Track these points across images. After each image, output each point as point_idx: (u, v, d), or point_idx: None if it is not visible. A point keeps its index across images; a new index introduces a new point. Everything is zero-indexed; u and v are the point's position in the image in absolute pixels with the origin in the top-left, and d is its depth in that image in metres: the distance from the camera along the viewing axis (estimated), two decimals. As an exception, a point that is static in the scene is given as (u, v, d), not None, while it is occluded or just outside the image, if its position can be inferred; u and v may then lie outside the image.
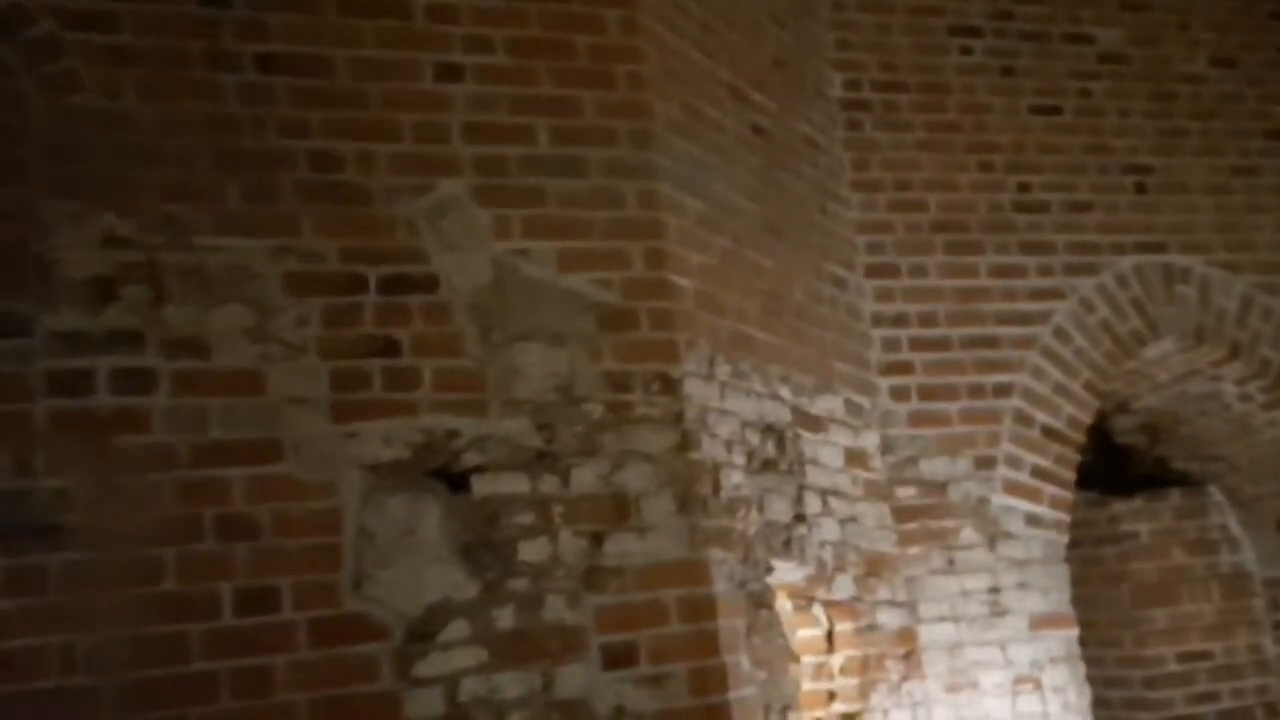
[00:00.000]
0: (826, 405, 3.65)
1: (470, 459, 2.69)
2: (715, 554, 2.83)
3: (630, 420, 2.82)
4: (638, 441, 2.81)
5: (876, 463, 3.91)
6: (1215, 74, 4.81)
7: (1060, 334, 4.25)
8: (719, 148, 3.39)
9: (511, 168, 2.90)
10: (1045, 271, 4.31)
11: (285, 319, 2.63)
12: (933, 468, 3.99)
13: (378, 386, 2.66)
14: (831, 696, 3.47)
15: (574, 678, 2.62)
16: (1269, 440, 4.72)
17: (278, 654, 2.43)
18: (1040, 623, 3.96)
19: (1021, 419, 4.13)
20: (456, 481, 2.67)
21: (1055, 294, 4.30)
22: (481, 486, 2.68)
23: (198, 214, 2.61)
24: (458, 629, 2.56)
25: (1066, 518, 4.12)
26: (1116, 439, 5.27)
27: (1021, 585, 3.97)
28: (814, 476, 3.46)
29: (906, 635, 3.78)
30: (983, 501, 4.01)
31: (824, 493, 3.50)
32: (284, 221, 2.68)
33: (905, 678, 3.68)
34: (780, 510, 3.25)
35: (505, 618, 2.61)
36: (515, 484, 2.70)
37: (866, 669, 3.49)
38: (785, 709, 3.03)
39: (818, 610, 3.51)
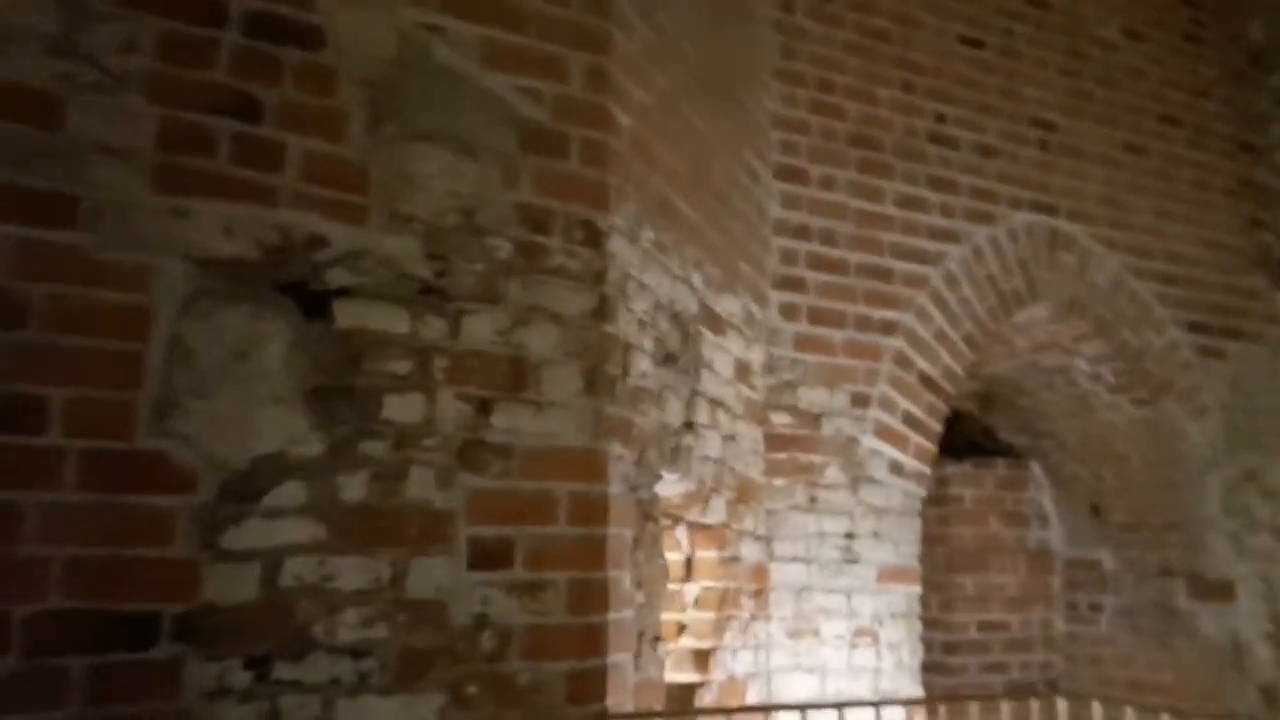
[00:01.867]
0: (728, 306, 3.21)
1: (337, 278, 2.04)
2: (615, 448, 2.32)
3: (543, 270, 2.25)
4: (548, 297, 2.25)
5: (758, 381, 3.52)
6: (1125, 44, 4.71)
7: (950, 280, 4.01)
8: (669, -23, 2.83)
9: (441, -82, 2.23)
10: (947, 211, 4.04)
11: (106, 35, 1.87)
12: (810, 397, 3.65)
13: (224, 157, 1.96)
14: (681, 630, 3.06)
15: (432, 574, 2.05)
16: (1105, 423, 4.72)
17: (34, 490, 1.72)
18: (887, 575, 3.72)
19: (901, 361, 3.85)
20: (315, 304, 2.02)
21: (951, 237, 4.05)
22: (347, 316, 2.04)
23: None
24: (290, 493, 1.93)
25: (927, 470, 3.90)
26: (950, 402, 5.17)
27: (876, 534, 3.72)
28: (707, 383, 3.01)
29: (760, 572, 3.43)
30: (852, 441, 3.71)
31: (713, 403, 3.06)
32: (122, -99, 1.91)
33: (754, 617, 3.34)
34: (674, 413, 2.78)
35: (354, 488, 2.00)
36: (391, 320, 2.08)
37: (724, 604, 3.10)
38: (656, 639, 2.58)
39: (681, 533, 3.08)
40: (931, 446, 3.93)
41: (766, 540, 3.49)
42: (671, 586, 3.05)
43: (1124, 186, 4.55)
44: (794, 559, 3.54)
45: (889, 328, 3.85)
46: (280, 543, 1.91)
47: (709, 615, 3.07)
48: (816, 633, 3.55)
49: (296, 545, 1.93)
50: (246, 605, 1.87)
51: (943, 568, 4.89)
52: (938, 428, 3.95)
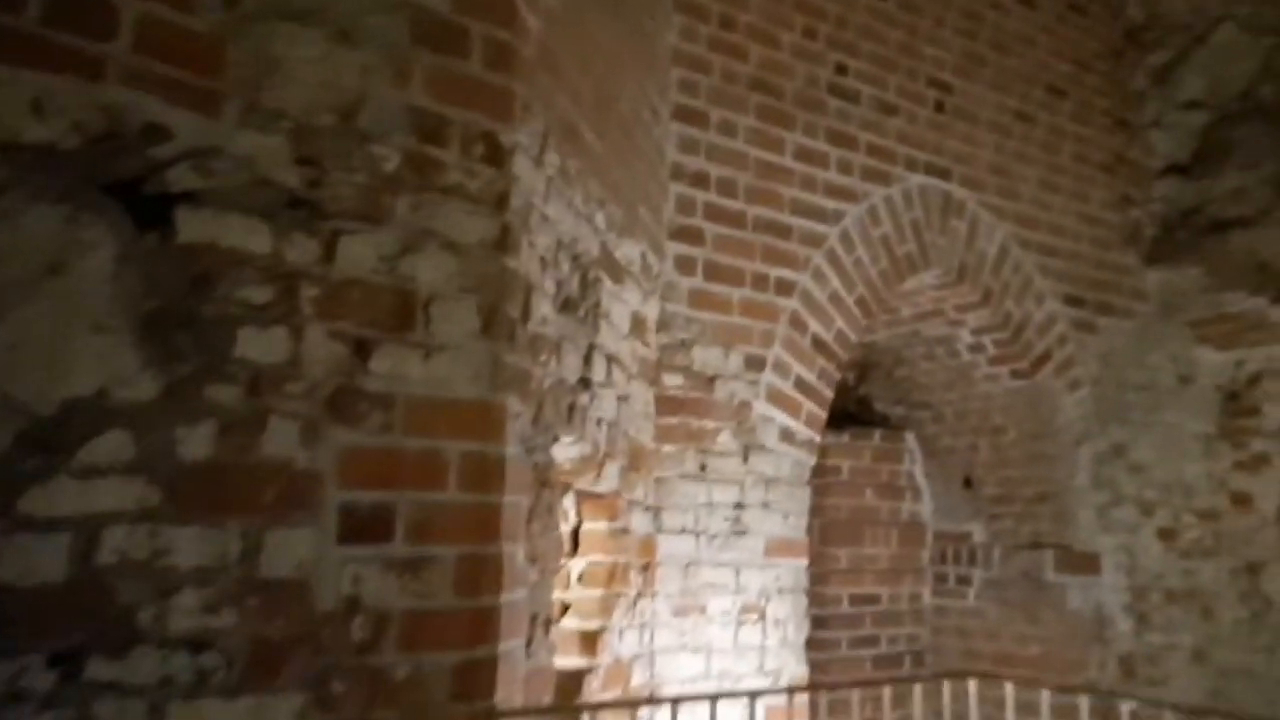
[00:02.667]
0: (628, 252, 2.91)
1: (180, 179, 1.63)
2: (513, 403, 2.00)
3: (437, 188, 1.89)
4: (443, 220, 1.89)
5: (652, 339, 3.24)
6: (1017, 9, 4.63)
7: (846, 240, 3.82)
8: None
9: None
10: (845, 168, 3.85)
11: None
12: (705, 358, 3.39)
13: (35, 10, 1.52)
14: (565, 609, 2.76)
15: (292, 548, 1.68)
16: (982, 394, 4.67)
17: None
18: (776, 548, 3.53)
19: (796, 323, 3.65)
20: (151, 210, 1.61)
21: (849, 195, 3.86)
22: (192, 227, 1.64)
23: None
24: (113, 446, 1.53)
25: (818, 438, 3.72)
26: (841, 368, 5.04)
27: (765, 505, 3.51)
28: (605, 336, 2.70)
29: (649, 545, 3.17)
30: (745, 406, 3.49)
31: (610, 360, 2.76)
32: None
33: (641, 594, 3.07)
34: (571, 367, 2.46)
35: (196, 442, 1.61)
36: (248, 237, 1.69)
37: (613, 580, 2.82)
38: (549, 622, 2.27)
39: (569, 502, 2.78)
40: (822, 413, 3.75)
41: (655, 511, 3.23)
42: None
43: (1013, 155, 4.48)
44: (682, 531, 3.30)
45: (785, 288, 3.63)
46: (98, 509, 1.51)
47: (596, 593, 2.79)
48: (703, 610, 3.32)
49: (119, 512, 1.53)
50: (52, 587, 1.46)
51: (818, 540, 4.76)
52: (829, 394, 3.77)
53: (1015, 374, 4.52)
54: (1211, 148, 4.89)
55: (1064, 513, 4.56)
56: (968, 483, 4.93)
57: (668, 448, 3.29)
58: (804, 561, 3.64)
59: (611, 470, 2.77)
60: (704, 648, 3.31)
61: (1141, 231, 4.99)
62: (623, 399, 2.88)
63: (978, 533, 4.89)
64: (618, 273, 2.80)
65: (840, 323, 3.79)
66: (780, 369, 3.59)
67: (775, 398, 3.57)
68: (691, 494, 3.33)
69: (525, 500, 2.09)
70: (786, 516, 3.58)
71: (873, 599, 4.86)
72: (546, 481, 2.26)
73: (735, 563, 3.41)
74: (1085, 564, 4.54)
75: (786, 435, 3.60)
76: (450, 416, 1.86)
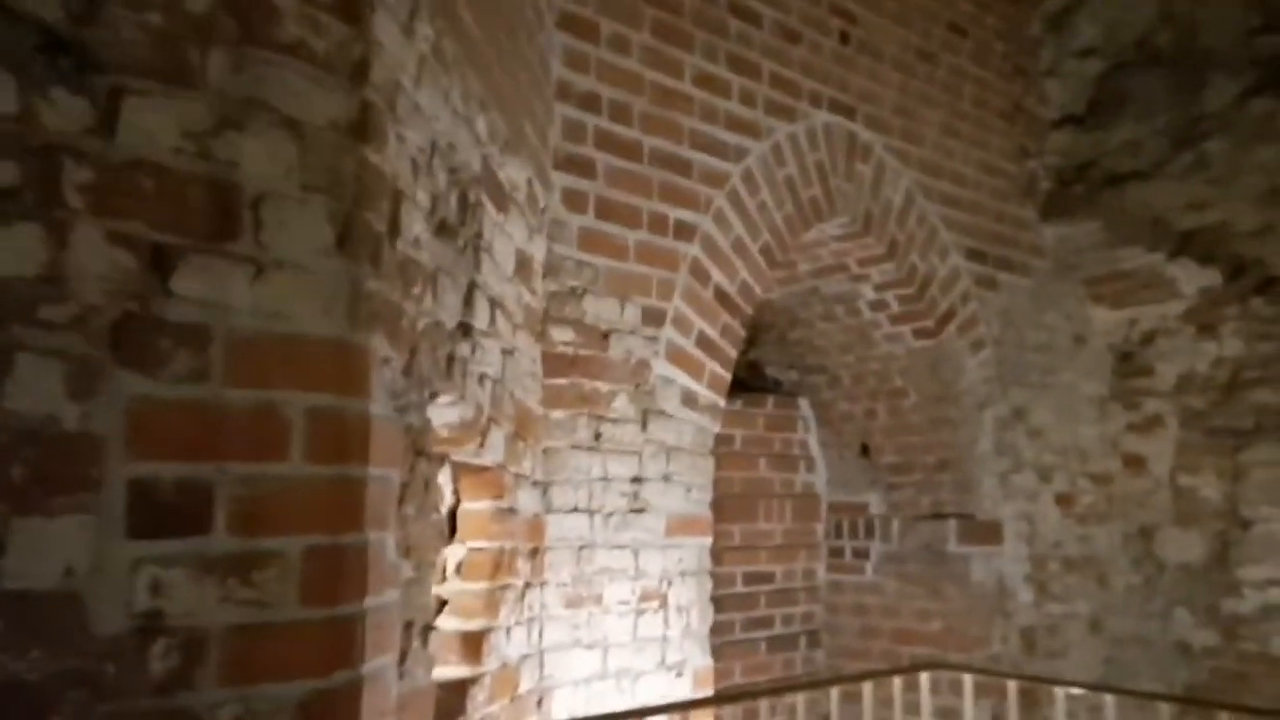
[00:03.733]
0: (513, 175, 2.41)
1: None
2: (379, 345, 1.50)
3: (270, 42, 1.37)
4: (277, 89, 1.37)
5: (539, 284, 2.76)
6: (920, -60, 4.32)
7: (749, 180, 3.42)
8: None
9: None
10: (748, 99, 3.45)
11: None
12: (598, 309, 2.94)
13: None
14: (441, 606, 2.27)
15: (56, 547, 1.16)
16: (882, 356, 4.37)
17: None
18: (678, 526, 3.12)
19: (698, 272, 3.23)
20: None
21: (752, 130, 3.46)
22: (-118, 68, 1.08)
23: None
24: None
25: (721, 402, 3.32)
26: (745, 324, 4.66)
27: (666, 478, 3.10)
28: (488, 274, 2.21)
29: (537, 527, 2.70)
30: (643, 366, 3.05)
31: (494, 304, 2.27)
32: None
33: (529, 585, 2.61)
34: (450, 308, 1.97)
35: (-104, 394, 1.06)
36: (-22, 90, 1.14)
37: (498, 570, 2.34)
38: (427, 629, 1.78)
39: (444, 477, 2.28)
40: (726, 375, 3.35)
41: (544, 487, 2.76)
42: (429, 549, 2.25)
43: (917, 97, 4.17)
44: (574, 509, 2.85)
45: (686, 232, 3.21)
46: None
47: (479, 586, 2.30)
48: (599, 599, 2.88)
49: None
50: None
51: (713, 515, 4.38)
52: (733, 353, 3.38)
53: (918, 333, 4.23)
54: (1107, 98, 4.72)
55: (966, 481, 4.31)
56: (865, 451, 4.64)
57: (557, 414, 2.83)
58: (708, 540, 3.25)
59: (496, 438, 2.28)
60: (600, 643, 2.87)
61: (1037, 184, 4.78)
62: (508, 354, 2.40)
63: (875, 504, 4.61)
64: (502, 199, 2.31)
65: (745, 273, 3.39)
66: (681, 324, 3.17)
67: (676, 357, 3.15)
68: (584, 466, 2.88)
69: (396, 474, 1.59)
70: (689, 490, 3.18)
71: (767, 577, 4.52)
72: (422, 450, 1.77)
73: (634, 544, 2.98)
74: (988, 534, 4.32)
75: (689, 399, 3.19)
76: (292, 360, 1.35)
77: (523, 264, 2.55)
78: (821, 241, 3.98)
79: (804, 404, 4.76)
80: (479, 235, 2.13)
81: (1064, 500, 4.65)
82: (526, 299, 2.61)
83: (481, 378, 2.17)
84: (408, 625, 1.67)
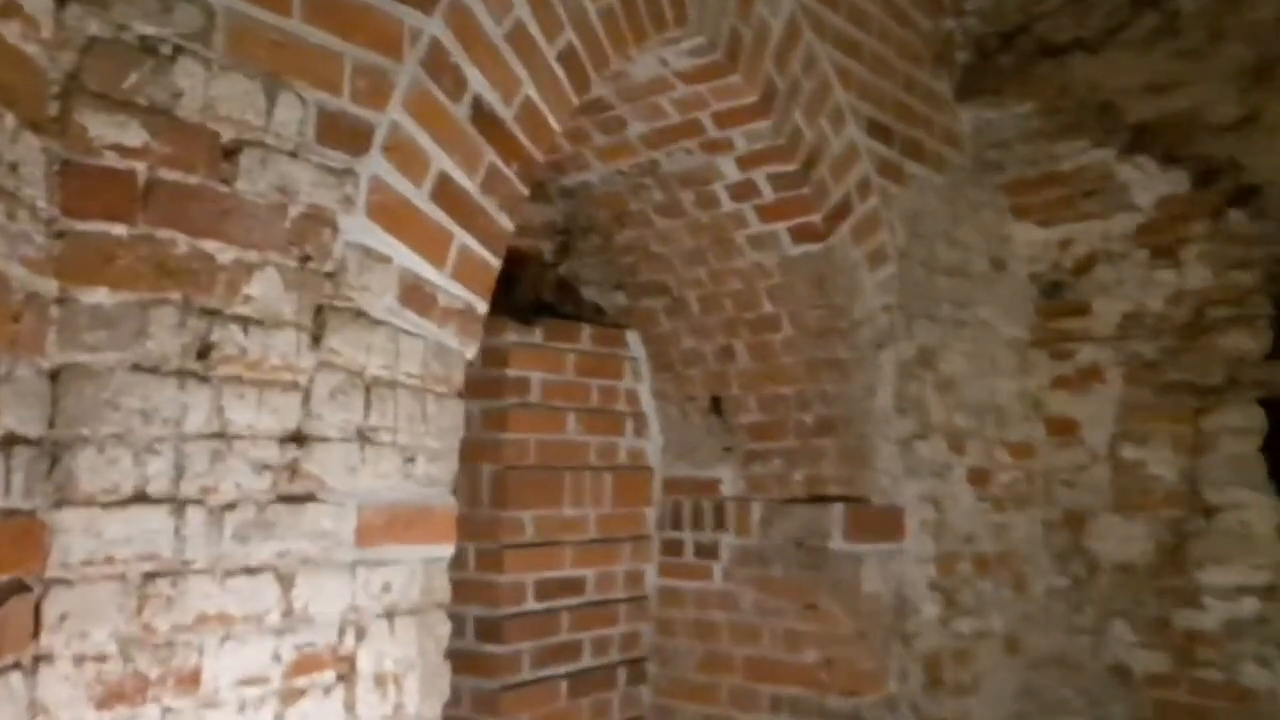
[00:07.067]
0: None
1: None
2: None
3: None
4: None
5: (47, 20, 1.25)
6: None
7: (544, -68, 1.98)
8: None
9: None
10: None
11: None
12: (214, 92, 1.45)
13: None
14: None
15: None
16: (746, 269, 3.03)
17: None
18: (383, 525, 1.67)
19: (439, 65, 1.77)
20: None
21: None
22: None
23: None
24: None
25: (483, 307, 1.89)
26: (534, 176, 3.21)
27: (364, 435, 1.64)
28: None
29: (28, 536, 1.20)
30: (317, 220, 1.57)
31: None
32: None
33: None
34: None
35: None
36: None
37: None
38: None
39: None
40: (495, 261, 1.93)
41: (50, 450, 1.28)
42: None
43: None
44: (136, 499, 1.37)
45: (416, -14, 1.75)
46: None
47: None
48: (191, 681, 1.41)
49: None
50: None
51: (488, 499, 2.96)
52: (507, 224, 1.95)
53: (799, 234, 2.90)
54: (1049, -62, 3.51)
55: (858, 449, 3.04)
56: (716, 406, 3.29)
57: (95, 297, 1.33)
58: (447, 546, 1.84)
59: None
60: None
61: (952, 46, 3.53)
62: None
63: (729, 481, 3.28)
64: None
65: (531, 89, 1.96)
66: (404, 154, 1.71)
67: (391, 213, 1.70)
68: (167, 409, 1.40)
69: None
70: (411, 458, 1.74)
71: (573, 586, 3.13)
72: None
73: (281, 565, 1.52)
74: (885, 525, 3.06)
75: (415, 293, 1.75)
76: None
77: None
78: (663, 82, 2.59)
79: (633, 338, 3.36)
80: None
81: (978, 478, 3.45)
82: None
83: None
84: None
